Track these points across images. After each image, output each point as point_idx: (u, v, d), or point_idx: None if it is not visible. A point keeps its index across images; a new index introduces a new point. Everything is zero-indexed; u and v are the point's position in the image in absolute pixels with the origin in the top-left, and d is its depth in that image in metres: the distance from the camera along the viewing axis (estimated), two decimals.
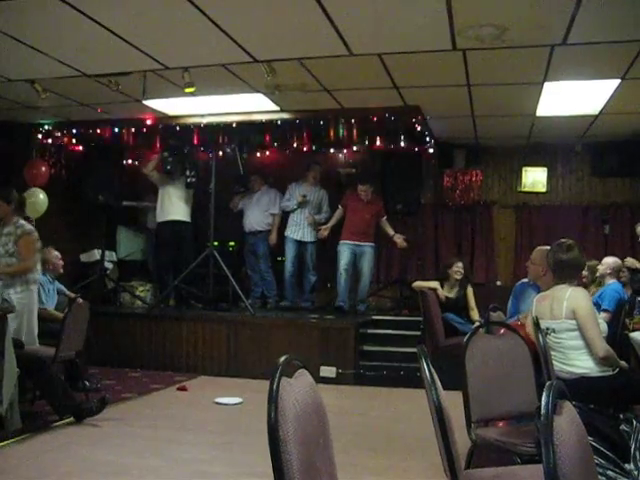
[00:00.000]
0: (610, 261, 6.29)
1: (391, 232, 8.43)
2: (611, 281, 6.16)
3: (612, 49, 5.10)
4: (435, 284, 7.27)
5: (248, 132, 8.23)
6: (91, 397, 5.59)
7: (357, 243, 8.26)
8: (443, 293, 7.16)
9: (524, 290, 5.46)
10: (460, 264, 7.31)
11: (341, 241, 8.28)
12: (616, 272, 6.29)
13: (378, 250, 8.66)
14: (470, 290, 7.29)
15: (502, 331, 3.68)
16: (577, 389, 3.19)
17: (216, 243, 8.36)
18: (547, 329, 3.81)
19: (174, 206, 8.58)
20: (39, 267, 5.69)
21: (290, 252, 8.54)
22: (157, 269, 8.81)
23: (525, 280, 5.60)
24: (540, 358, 3.56)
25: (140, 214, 9.56)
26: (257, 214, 8.77)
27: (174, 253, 8.58)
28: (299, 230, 8.54)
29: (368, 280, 8.40)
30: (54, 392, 5.06)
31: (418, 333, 7.44)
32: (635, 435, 3.00)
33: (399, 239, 8.37)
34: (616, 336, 5.17)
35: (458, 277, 7.21)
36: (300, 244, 8.55)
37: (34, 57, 5.51)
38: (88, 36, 5.02)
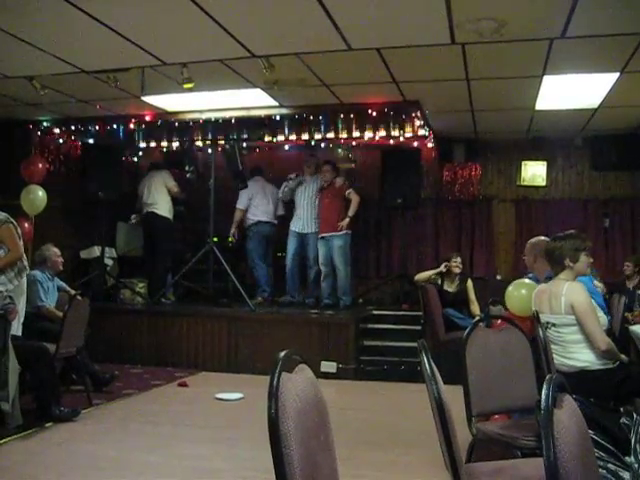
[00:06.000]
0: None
1: (350, 213, 8.15)
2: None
3: (611, 42, 5.09)
4: (437, 270, 7.34)
5: (247, 127, 8.23)
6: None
7: (325, 236, 8.19)
8: (440, 269, 7.25)
9: None
10: (459, 259, 7.35)
11: (318, 237, 8.30)
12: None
13: (351, 238, 8.31)
14: (470, 284, 7.31)
15: (499, 322, 3.69)
16: (577, 382, 3.20)
17: (215, 239, 8.36)
18: (547, 323, 3.82)
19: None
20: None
21: (291, 245, 8.47)
22: (167, 261, 8.79)
23: (530, 274, 5.60)
24: (540, 350, 3.57)
25: None
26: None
27: None
28: (299, 222, 8.46)
29: (344, 273, 8.12)
30: (46, 386, 5.05)
31: (418, 328, 7.46)
32: (635, 428, 3.00)
33: (341, 224, 8.10)
34: None
35: (457, 271, 7.26)
36: (302, 237, 8.45)
37: (32, 54, 5.50)
38: (86, 33, 5.01)
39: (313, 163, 8.62)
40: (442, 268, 7.30)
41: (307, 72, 6.16)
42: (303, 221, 8.43)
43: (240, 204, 8.81)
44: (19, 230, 5.38)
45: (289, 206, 8.87)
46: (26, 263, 5.41)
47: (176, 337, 7.75)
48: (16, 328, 5.04)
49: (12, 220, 5.31)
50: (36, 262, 6.37)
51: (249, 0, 4.44)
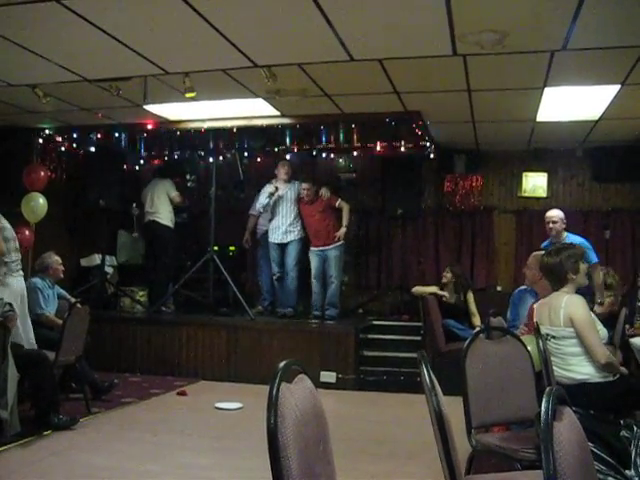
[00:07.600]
0: (558, 214, 6.14)
1: (345, 223, 8.13)
2: (566, 234, 6.06)
3: (612, 55, 5.10)
4: (434, 288, 7.33)
5: (248, 137, 8.24)
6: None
7: (321, 248, 8.14)
8: (443, 293, 7.25)
9: (522, 297, 5.45)
10: (447, 269, 7.43)
11: (310, 247, 8.25)
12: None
13: (344, 249, 8.29)
14: (470, 295, 7.31)
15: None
16: (577, 395, 3.19)
17: (216, 248, 8.35)
18: (547, 335, 3.81)
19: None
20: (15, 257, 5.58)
21: (274, 260, 8.31)
22: (169, 270, 8.79)
23: (523, 287, 5.59)
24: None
25: None
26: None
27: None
28: (278, 231, 8.26)
29: (336, 284, 8.10)
30: (45, 394, 5.04)
31: (418, 338, 7.46)
32: (635, 441, 2.99)
33: (338, 235, 8.08)
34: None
35: (444, 281, 7.33)
36: (282, 247, 8.26)
37: (35, 62, 5.51)
38: (89, 41, 5.02)
39: (286, 166, 8.39)
40: (439, 292, 7.32)
41: (309, 82, 6.17)
42: (283, 230, 8.24)
43: (252, 210, 8.79)
44: (6, 232, 5.42)
45: None
46: (8, 261, 5.44)
47: (176, 346, 7.74)
48: (14, 334, 5.04)
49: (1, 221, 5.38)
50: (37, 269, 6.38)
51: (252, 10, 4.46)
